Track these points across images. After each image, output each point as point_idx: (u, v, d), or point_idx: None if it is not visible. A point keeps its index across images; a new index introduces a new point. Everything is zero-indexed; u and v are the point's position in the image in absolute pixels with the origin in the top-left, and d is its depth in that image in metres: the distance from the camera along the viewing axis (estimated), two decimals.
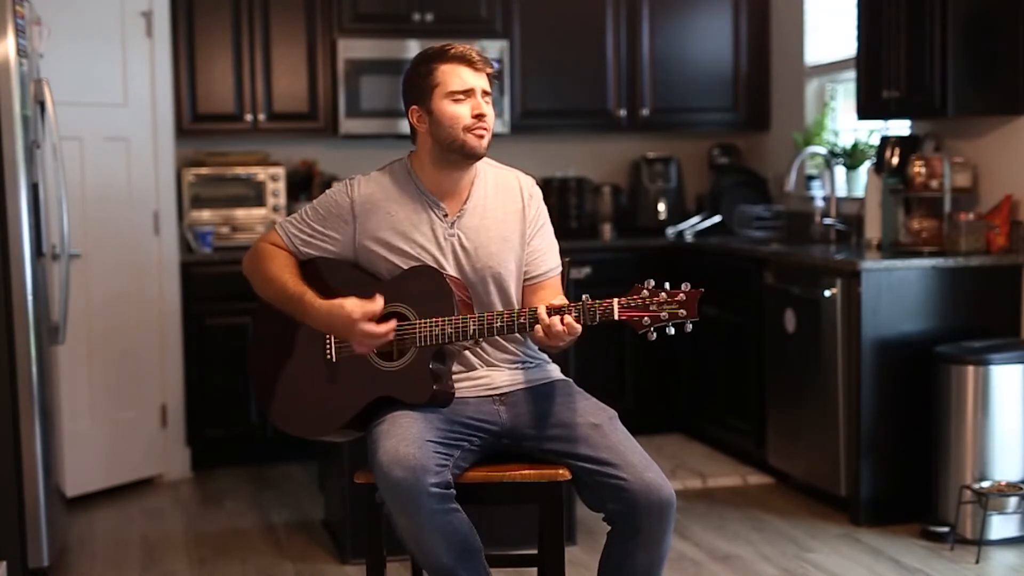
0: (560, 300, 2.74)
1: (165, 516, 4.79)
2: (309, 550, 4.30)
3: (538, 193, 2.98)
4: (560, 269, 3.00)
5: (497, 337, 2.86)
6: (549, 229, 2.99)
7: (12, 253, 3.72)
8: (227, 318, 5.32)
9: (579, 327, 2.64)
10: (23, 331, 3.74)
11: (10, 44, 3.68)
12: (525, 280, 2.93)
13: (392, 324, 2.73)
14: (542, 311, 2.65)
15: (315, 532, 4.51)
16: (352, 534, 4.08)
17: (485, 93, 2.83)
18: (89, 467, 4.91)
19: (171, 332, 5.26)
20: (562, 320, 2.63)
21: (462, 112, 2.80)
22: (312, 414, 2.87)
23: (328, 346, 2.84)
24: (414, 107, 2.86)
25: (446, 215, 2.87)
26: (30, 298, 3.75)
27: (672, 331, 2.63)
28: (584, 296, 2.66)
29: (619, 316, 2.63)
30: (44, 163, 4.04)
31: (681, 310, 2.61)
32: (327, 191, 2.93)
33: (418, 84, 2.84)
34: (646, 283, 2.63)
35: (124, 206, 5.07)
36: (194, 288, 5.34)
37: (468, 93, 2.80)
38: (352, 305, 2.72)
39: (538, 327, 2.66)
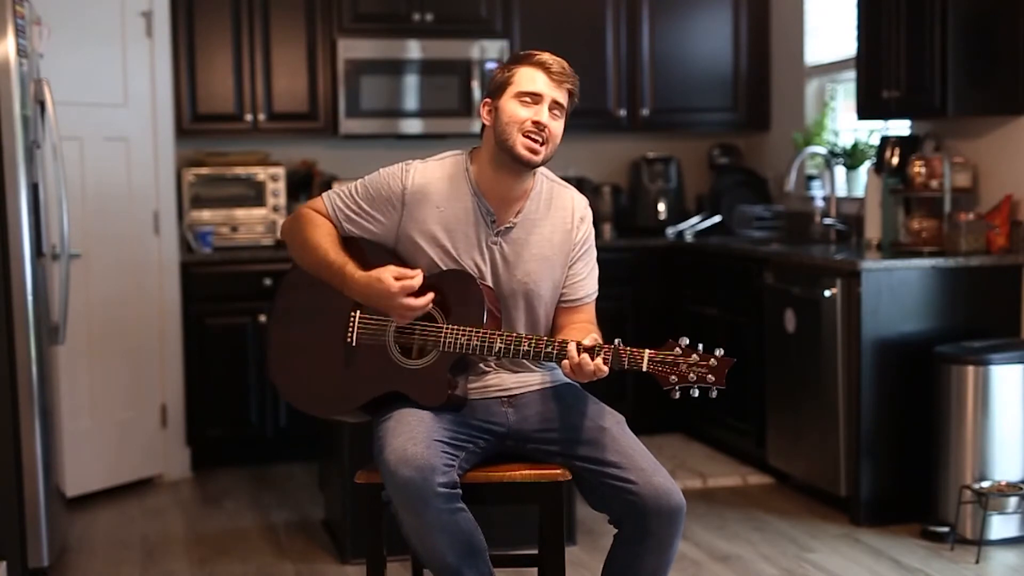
0: (592, 340, 2.68)
1: (165, 516, 4.78)
2: (309, 550, 4.30)
3: (589, 216, 2.96)
4: (596, 294, 2.97)
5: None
6: (593, 254, 2.96)
7: (12, 253, 3.72)
8: (227, 318, 5.32)
9: (607, 369, 2.62)
10: (23, 331, 3.74)
11: (10, 44, 3.68)
12: (561, 301, 2.91)
13: (430, 296, 2.71)
14: (572, 348, 2.63)
15: (315, 532, 4.51)
16: (352, 534, 4.08)
17: (557, 104, 2.79)
18: (89, 467, 4.90)
19: (171, 332, 5.26)
20: (592, 360, 2.61)
21: (523, 114, 2.77)
22: (321, 394, 2.86)
23: (351, 328, 2.82)
24: (487, 100, 2.85)
25: (495, 221, 2.84)
26: (30, 298, 3.75)
27: (696, 394, 2.61)
28: (616, 340, 2.64)
29: (647, 368, 2.61)
30: (44, 163, 4.04)
31: (710, 375, 2.59)
32: (380, 171, 2.88)
33: (498, 80, 2.83)
34: (679, 340, 2.61)
35: (124, 206, 5.07)
36: (194, 288, 5.34)
37: (536, 98, 2.77)
38: (390, 280, 2.70)
39: (565, 362, 2.64)
